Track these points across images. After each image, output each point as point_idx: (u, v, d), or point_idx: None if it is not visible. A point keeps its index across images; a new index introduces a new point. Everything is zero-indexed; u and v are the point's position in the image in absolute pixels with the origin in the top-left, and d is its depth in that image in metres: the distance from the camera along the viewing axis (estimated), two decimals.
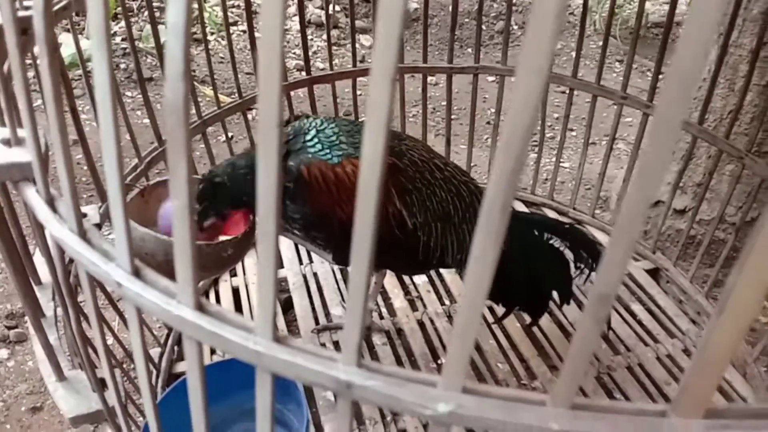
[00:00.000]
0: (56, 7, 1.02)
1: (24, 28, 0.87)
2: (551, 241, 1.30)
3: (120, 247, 0.48)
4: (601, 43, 3.83)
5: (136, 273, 0.49)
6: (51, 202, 0.57)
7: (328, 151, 1.11)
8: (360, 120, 1.28)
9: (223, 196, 1.11)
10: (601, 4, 3.92)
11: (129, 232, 0.48)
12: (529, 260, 1.28)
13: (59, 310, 0.89)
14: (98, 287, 1.18)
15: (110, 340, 1.35)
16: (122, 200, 0.47)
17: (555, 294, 1.33)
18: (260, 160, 0.36)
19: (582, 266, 1.32)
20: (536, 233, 1.31)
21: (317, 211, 1.13)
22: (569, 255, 1.31)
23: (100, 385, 0.76)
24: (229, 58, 1.59)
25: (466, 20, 3.83)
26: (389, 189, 1.11)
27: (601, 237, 1.79)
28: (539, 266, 1.27)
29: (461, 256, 1.22)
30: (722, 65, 1.52)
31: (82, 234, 0.53)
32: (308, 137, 1.11)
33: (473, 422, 0.39)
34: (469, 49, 3.61)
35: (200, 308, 0.45)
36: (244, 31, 3.31)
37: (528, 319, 1.43)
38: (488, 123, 2.84)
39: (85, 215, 1.22)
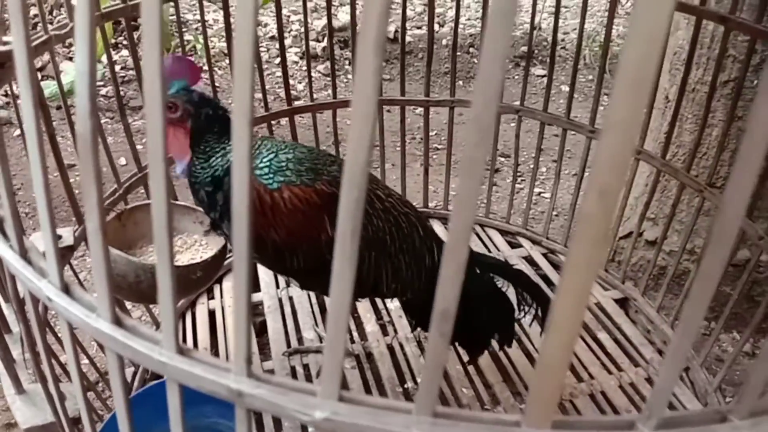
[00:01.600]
0: (37, 42, 1.08)
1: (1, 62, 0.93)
2: (496, 281, 1.33)
3: (51, 266, 0.53)
4: (591, 77, 3.90)
5: (66, 290, 0.53)
6: None
7: (272, 175, 1.15)
8: (319, 149, 1.33)
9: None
10: (591, 39, 4.01)
11: (59, 252, 0.53)
12: (471, 299, 1.31)
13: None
14: None
15: (84, 361, 1.39)
16: (51, 220, 0.52)
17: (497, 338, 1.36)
18: (152, 186, 0.41)
19: (525, 309, 1.35)
20: (480, 272, 1.33)
21: (255, 232, 1.17)
22: (512, 296, 1.34)
23: (51, 397, 0.80)
24: (225, 87, 1.66)
25: (458, 54, 3.92)
26: (323, 218, 1.15)
27: None
28: (481, 305, 1.29)
29: (396, 286, 1.25)
30: (683, 101, 1.57)
31: (23, 253, 0.57)
32: (258, 160, 1.14)
33: (346, 428, 0.43)
34: (460, 82, 3.69)
35: (117, 322, 0.50)
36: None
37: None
38: None
39: (60, 236, 1.26)
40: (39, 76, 2.93)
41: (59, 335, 1.19)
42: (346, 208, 0.36)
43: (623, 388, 1.45)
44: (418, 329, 1.61)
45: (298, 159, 1.15)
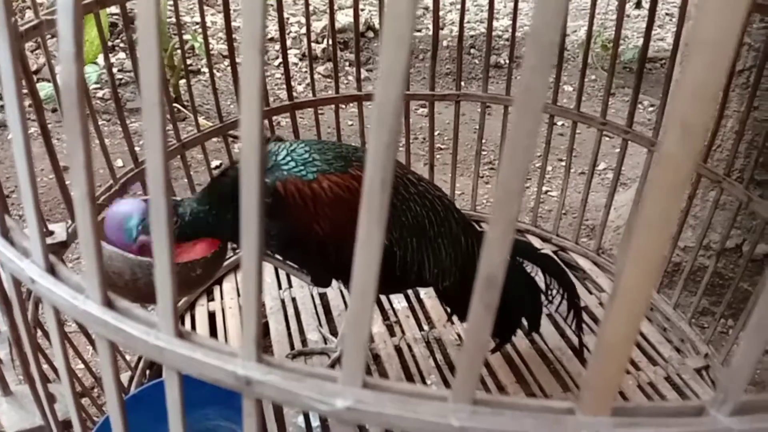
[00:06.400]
0: (26, 26, 1.03)
1: None
2: (524, 265, 1.29)
3: (34, 243, 0.47)
4: (593, 77, 3.87)
5: (51, 270, 0.48)
6: None
7: (302, 167, 1.10)
8: (330, 141, 1.28)
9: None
10: (594, 39, 3.97)
11: (43, 230, 0.48)
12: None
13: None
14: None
15: (80, 366, 1.33)
16: (34, 196, 0.46)
17: (524, 321, 1.32)
18: (152, 194, 0.36)
19: (553, 294, 1.31)
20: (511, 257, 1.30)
21: (294, 228, 1.12)
22: (540, 281, 1.29)
23: (39, 399, 0.74)
24: (224, 89, 1.61)
25: (468, 53, 3.87)
26: None
27: (582, 263, 1.77)
28: (511, 289, 1.26)
29: (438, 271, 1.21)
30: None
31: (5, 233, 0.52)
32: (280, 157, 1.12)
33: (372, 418, 0.37)
34: (462, 83, 3.64)
35: (107, 303, 0.44)
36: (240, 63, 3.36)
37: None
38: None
39: (51, 232, 1.20)
40: (35, 78, 2.88)
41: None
42: (376, 151, 0.31)
43: (642, 387, 1.39)
44: (427, 328, 1.55)
45: (318, 149, 1.11)
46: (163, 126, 0.35)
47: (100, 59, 2.64)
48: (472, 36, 4.02)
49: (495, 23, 4.01)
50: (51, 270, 0.47)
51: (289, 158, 1.10)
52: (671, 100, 0.28)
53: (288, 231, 1.11)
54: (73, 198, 0.41)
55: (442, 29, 4.11)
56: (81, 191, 0.40)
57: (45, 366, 0.98)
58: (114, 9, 1.33)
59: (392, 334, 1.54)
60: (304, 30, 3.92)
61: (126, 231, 1.07)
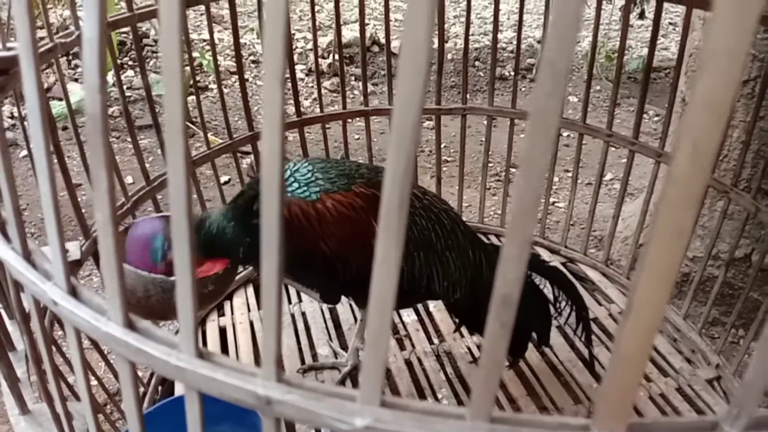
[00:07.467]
0: (41, 50, 1.05)
1: (3, 68, 0.90)
2: (533, 278, 1.29)
3: (56, 266, 0.48)
4: (598, 88, 3.87)
5: (72, 292, 0.49)
6: (2, 227, 0.58)
7: (305, 188, 1.12)
8: (334, 158, 1.30)
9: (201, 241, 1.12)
10: (598, 50, 3.99)
11: (65, 253, 0.49)
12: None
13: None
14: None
15: (93, 382, 1.34)
16: (57, 219, 0.47)
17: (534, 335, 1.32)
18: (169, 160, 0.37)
19: (561, 307, 1.31)
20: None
21: (301, 248, 1.13)
22: (548, 294, 1.30)
23: (58, 417, 0.75)
24: (232, 106, 1.63)
25: (473, 65, 3.90)
26: (370, 221, 1.11)
27: (591, 274, 1.77)
28: (521, 303, 1.27)
29: (447, 284, 1.21)
30: None
31: (27, 255, 0.53)
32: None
33: None
34: (467, 95, 3.66)
35: (129, 325, 0.45)
36: (248, 80, 3.39)
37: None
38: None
39: (66, 251, 1.21)
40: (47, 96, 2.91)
41: (67, 355, 1.14)
42: (394, 177, 0.32)
43: (653, 399, 1.39)
44: (437, 341, 1.55)
45: (321, 168, 1.12)
46: (187, 153, 0.36)
47: (109, 77, 2.67)
48: (476, 48, 4.04)
49: (499, 35, 4.03)
50: (73, 292, 0.48)
51: (292, 179, 1.12)
52: (682, 115, 0.29)
53: (295, 251, 1.12)
54: (96, 221, 0.42)
55: (447, 42, 4.14)
56: (104, 215, 0.41)
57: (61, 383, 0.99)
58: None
59: (402, 347, 1.54)
60: (310, 45, 3.96)
61: (152, 252, 1.08)
